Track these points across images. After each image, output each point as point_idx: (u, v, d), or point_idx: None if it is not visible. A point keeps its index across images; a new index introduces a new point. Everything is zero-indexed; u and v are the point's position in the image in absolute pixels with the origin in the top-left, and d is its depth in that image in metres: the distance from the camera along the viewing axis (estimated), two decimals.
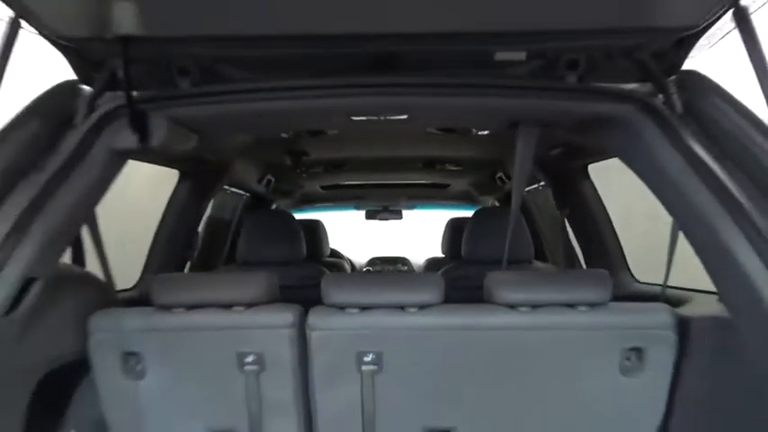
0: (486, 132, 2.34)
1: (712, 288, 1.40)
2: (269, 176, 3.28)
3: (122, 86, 1.39)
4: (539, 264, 2.67)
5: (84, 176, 1.38)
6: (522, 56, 1.42)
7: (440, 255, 3.35)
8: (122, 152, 1.45)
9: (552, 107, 1.50)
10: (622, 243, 2.45)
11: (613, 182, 2.68)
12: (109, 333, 1.54)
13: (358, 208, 4.73)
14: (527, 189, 3.26)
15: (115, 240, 1.98)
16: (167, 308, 1.55)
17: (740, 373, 1.35)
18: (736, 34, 1.23)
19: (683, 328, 1.50)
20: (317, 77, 1.45)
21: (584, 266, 2.57)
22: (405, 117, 1.64)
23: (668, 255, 1.71)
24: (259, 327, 1.55)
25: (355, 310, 1.55)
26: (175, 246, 2.49)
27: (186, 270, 2.62)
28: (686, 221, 1.39)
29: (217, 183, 2.69)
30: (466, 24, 1.29)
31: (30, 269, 1.26)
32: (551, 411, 1.58)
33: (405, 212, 4.75)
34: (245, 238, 2.48)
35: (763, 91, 1.18)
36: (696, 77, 1.40)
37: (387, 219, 4.75)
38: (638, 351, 1.51)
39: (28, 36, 1.29)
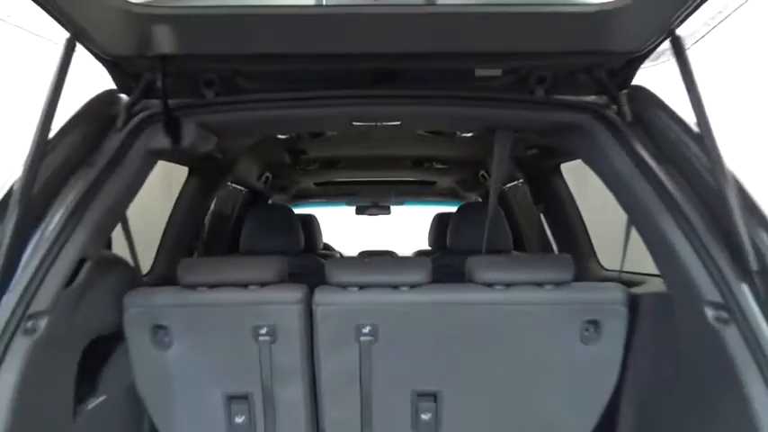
0: (469, 134, 2.60)
1: None
2: (267, 173, 3.51)
3: (156, 95, 1.62)
4: (516, 253, 2.93)
5: (124, 173, 1.61)
6: (498, 72, 1.67)
7: (427, 248, 3.61)
8: (156, 152, 1.69)
9: (523, 116, 1.76)
10: (601, 230, 2.70)
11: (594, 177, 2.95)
12: (141, 309, 1.77)
13: (349, 204, 4.96)
14: (508, 186, 3.54)
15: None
16: (192, 287, 1.79)
17: (677, 338, 1.62)
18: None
19: (633, 303, 1.77)
20: (324, 89, 1.70)
21: None
22: (399, 123, 1.90)
23: (624, 243, 1.97)
24: (272, 303, 1.78)
25: (355, 289, 1.79)
26: (184, 236, 2.71)
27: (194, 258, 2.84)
28: (634, 214, 1.66)
29: (222, 179, 2.92)
30: (451, 46, 1.53)
31: (83, 251, 1.49)
32: (522, 375, 1.83)
33: (393, 210, 5.00)
34: (249, 230, 2.71)
35: (692, 104, 1.45)
36: (643, 92, 1.67)
37: (376, 214, 4.99)
38: (595, 323, 1.77)
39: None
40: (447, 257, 2.69)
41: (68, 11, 1.36)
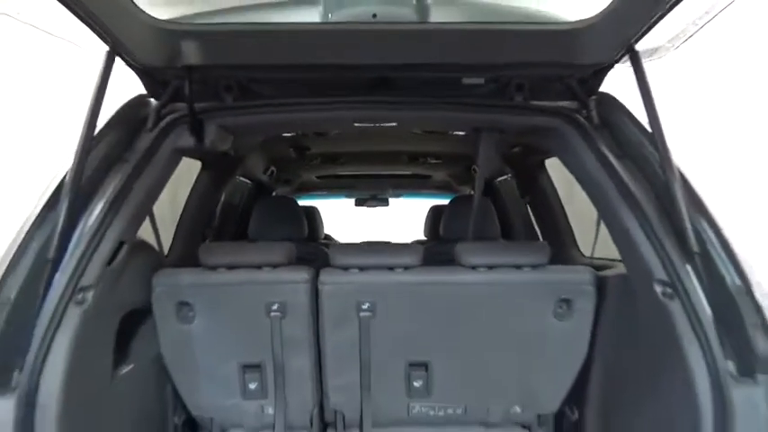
0: (461, 133, 2.83)
1: None
2: (273, 167, 3.74)
3: (181, 99, 1.85)
4: (503, 241, 3.17)
5: (154, 168, 1.84)
6: (481, 80, 1.90)
7: (424, 238, 3.85)
8: (181, 150, 1.92)
9: (504, 119, 2.00)
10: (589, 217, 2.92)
11: None
12: (168, 287, 2.00)
13: (348, 196, 5.19)
14: (498, 180, 3.77)
15: None
16: (213, 268, 2.02)
17: (635, 312, 1.86)
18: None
19: (601, 284, 2.01)
20: (328, 95, 1.93)
21: None
22: (395, 124, 2.13)
23: (595, 231, 2.21)
24: (282, 282, 2.02)
25: (356, 270, 2.03)
26: (198, 223, 2.95)
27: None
28: (598, 205, 1.89)
29: (232, 173, 3.16)
30: (440, 57, 1.76)
31: (121, 235, 1.72)
32: (503, 347, 2.07)
33: (391, 204, 5.22)
34: (257, 219, 2.94)
35: (646, 109, 1.68)
36: (609, 98, 1.90)
37: (374, 206, 5.21)
38: (567, 301, 2.01)
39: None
40: (440, 246, 2.92)
41: (110, 27, 1.58)
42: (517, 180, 3.25)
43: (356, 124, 2.15)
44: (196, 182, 2.95)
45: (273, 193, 4.32)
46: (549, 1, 1.69)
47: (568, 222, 2.95)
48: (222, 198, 3.40)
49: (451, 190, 4.58)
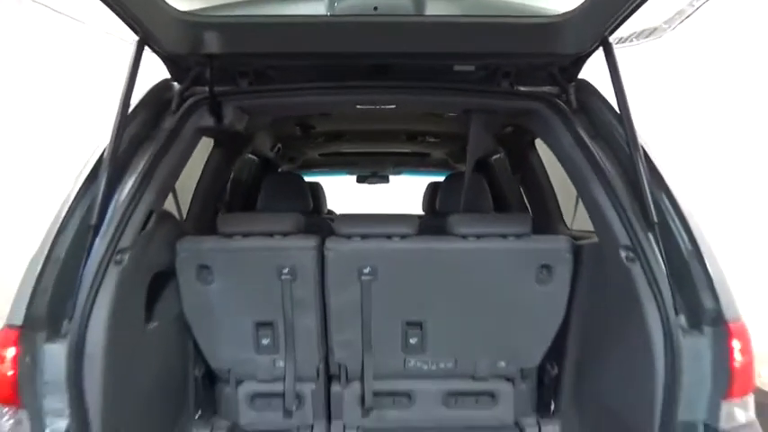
0: (454, 114, 3.03)
1: None
2: (279, 145, 3.95)
3: (202, 83, 2.06)
4: (493, 214, 3.38)
5: (178, 146, 2.06)
6: (472, 68, 2.11)
7: (422, 213, 4.08)
8: (202, 130, 2.13)
9: (492, 103, 2.21)
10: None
11: None
12: (191, 252, 2.23)
13: (350, 173, 5.39)
14: (493, 158, 3.97)
15: None
16: (230, 236, 2.25)
17: (604, 276, 2.09)
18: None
19: (577, 252, 2.24)
20: (333, 80, 2.14)
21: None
22: (394, 106, 2.34)
23: (575, 206, 2.43)
24: (292, 249, 2.24)
25: (358, 238, 2.25)
26: (210, 197, 3.17)
27: None
28: (574, 180, 2.11)
29: (242, 150, 3.37)
30: (434, 47, 1.95)
31: (151, 205, 1.95)
32: (490, 308, 2.30)
33: (391, 180, 5.43)
34: (266, 193, 3.15)
35: (616, 94, 1.88)
36: (586, 84, 2.11)
37: (375, 183, 5.42)
38: (547, 267, 2.24)
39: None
40: (436, 219, 3.14)
41: (141, 19, 1.78)
42: (509, 158, 3.46)
43: (358, 106, 2.36)
44: (209, 158, 3.16)
45: (279, 170, 4.54)
46: None
47: (555, 198, 3.17)
48: (232, 174, 3.62)
49: (448, 167, 4.78)
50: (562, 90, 2.12)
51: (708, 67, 5.16)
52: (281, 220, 2.29)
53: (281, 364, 2.38)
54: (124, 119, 1.83)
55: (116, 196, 1.85)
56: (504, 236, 2.23)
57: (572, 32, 1.85)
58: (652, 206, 1.79)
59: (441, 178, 3.36)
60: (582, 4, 1.70)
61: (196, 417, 2.46)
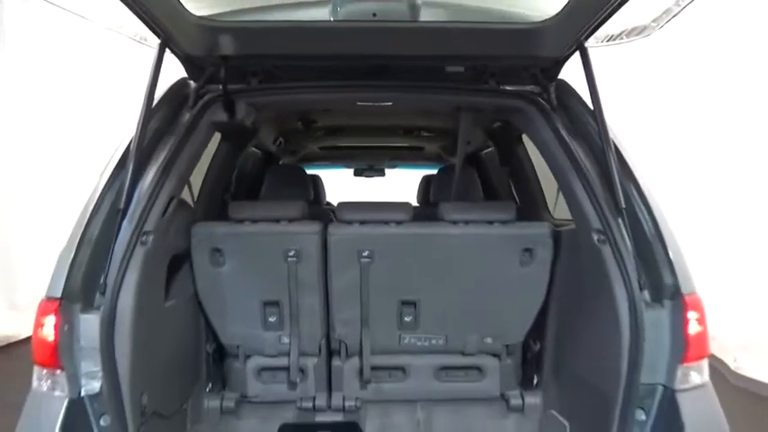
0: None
1: None
2: (281, 138, 4.15)
3: (216, 81, 2.26)
4: (481, 202, 3.59)
5: (195, 138, 2.25)
6: (461, 69, 2.31)
7: (416, 205, 4.29)
8: (216, 124, 2.33)
9: (480, 100, 2.42)
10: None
11: None
12: (204, 236, 2.43)
13: (348, 166, 5.59)
14: (484, 152, 4.19)
15: None
16: (240, 221, 2.45)
17: (579, 258, 2.30)
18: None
19: (557, 237, 2.45)
20: (335, 79, 2.34)
21: None
22: (390, 103, 2.55)
23: (556, 196, 2.64)
24: (298, 233, 2.45)
25: (357, 224, 2.46)
26: (217, 187, 3.36)
27: None
28: (554, 171, 2.32)
29: (246, 143, 3.56)
30: (428, 50, 2.14)
31: (172, 192, 2.14)
32: (477, 289, 2.51)
33: (387, 172, 5.63)
34: (270, 183, 3.36)
35: (591, 94, 2.09)
36: (565, 84, 2.31)
37: (372, 176, 5.63)
38: (530, 251, 2.45)
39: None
40: (429, 209, 3.35)
41: (163, 24, 1.97)
42: (498, 152, 3.68)
43: (358, 103, 2.56)
44: (216, 151, 3.35)
45: (280, 162, 4.74)
46: (518, 3, 2.09)
47: (541, 188, 3.38)
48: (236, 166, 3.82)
49: (441, 161, 4.99)
50: (543, 89, 2.32)
51: (698, 65, 5.26)
52: (288, 208, 2.49)
53: (286, 340, 2.58)
54: (149, 113, 2.02)
55: (141, 183, 2.04)
56: (490, 222, 2.44)
57: (550, 38, 2.04)
58: (621, 194, 2.00)
59: (434, 171, 3.57)
60: (558, 12, 1.89)
61: (207, 389, 2.67)
